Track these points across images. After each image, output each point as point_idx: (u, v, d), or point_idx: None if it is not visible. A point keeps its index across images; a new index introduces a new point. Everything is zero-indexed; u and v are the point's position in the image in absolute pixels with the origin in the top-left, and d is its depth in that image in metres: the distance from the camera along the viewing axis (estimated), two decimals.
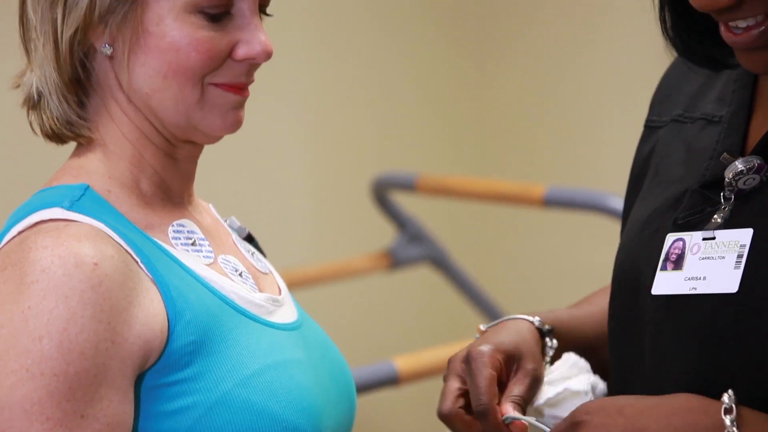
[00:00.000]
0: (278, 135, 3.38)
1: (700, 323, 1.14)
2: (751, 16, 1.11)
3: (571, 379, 1.26)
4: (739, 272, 1.12)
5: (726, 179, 1.15)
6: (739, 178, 1.14)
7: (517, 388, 1.21)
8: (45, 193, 1.19)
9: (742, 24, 1.11)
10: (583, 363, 1.28)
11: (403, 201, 3.15)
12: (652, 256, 1.19)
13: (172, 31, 1.16)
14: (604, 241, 2.36)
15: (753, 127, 1.21)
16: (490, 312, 3.04)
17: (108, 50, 1.18)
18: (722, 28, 1.13)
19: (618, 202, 2.53)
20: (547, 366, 1.28)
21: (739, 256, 1.13)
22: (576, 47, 3.52)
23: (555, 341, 1.29)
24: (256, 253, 1.34)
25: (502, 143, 3.71)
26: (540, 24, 3.60)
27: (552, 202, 2.69)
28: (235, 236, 1.33)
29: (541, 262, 3.61)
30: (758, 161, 1.14)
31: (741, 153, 1.18)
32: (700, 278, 1.14)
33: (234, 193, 3.20)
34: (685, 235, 1.17)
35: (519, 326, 1.28)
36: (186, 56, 1.17)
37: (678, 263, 1.16)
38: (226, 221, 1.34)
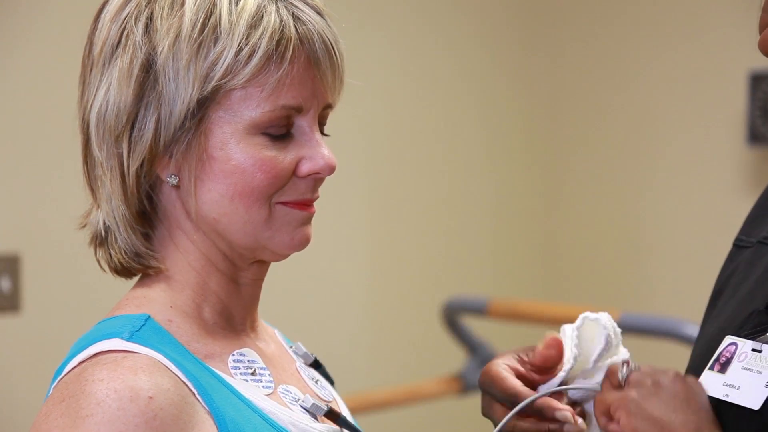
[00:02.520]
0: (347, 257, 3.38)
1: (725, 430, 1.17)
2: None
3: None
4: (767, 392, 1.15)
5: None
6: None
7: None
8: (107, 323, 1.19)
9: None
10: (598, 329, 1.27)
11: (474, 325, 3.13)
12: (710, 355, 1.23)
13: (236, 154, 1.17)
14: (678, 367, 2.32)
15: None
16: None
17: (174, 180, 1.19)
18: None
19: (693, 329, 2.49)
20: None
21: None
22: (647, 170, 3.50)
23: None
24: (321, 380, 1.33)
25: (575, 267, 3.68)
26: (609, 147, 3.59)
27: (626, 328, 2.64)
28: (299, 363, 1.31)
29: None
30: None
31: None
32: (735, 387, 1.18)
33: (302, 316, 3.20)
34: (739, 341, 1.21)
35: None
36: (252, 177, 1.17)
37: (724, 367, 1.20)
38: (291, 347, 1.33)
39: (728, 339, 1.22)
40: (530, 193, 3.72)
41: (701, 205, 3.32)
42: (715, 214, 3.26)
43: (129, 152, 1.18)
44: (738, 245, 1.36)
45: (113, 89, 1.18)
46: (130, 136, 1.18)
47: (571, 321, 3.01)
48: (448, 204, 3.59)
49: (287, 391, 1.24)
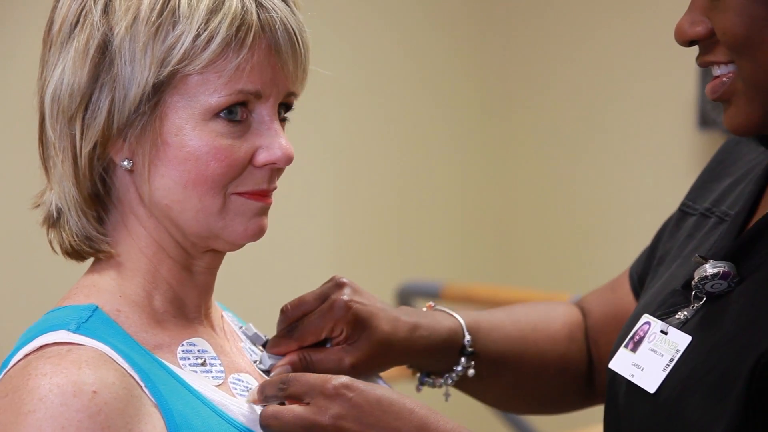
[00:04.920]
0: (301, 242, 3.37)
1: (624, 409, 1.20)
2: (722, 62, 1.14)
3: None
4: (664, 375, 1.17)
5: (693, 281, 1.18)
6: (705, 282, 1.16)
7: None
8: (54, 313, 1.17)
9: (716, 71, 1.16)
10: None
11: None
12: (629, 332, 1.26)
13: (190, 141, 1.15)
14: None
15: (750, 227, 1.22)
16: (515, 422, 3.00)
17: (128, 164, 1.17)
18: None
19: None
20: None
21: (671, 360, 1.17)
22: (600, 154, 3.52)
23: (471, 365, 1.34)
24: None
25: (528, 251, 3.70)
26: (562, 132, 3.61)
27: None
28: (246, 345, 1.30)
29: None
30: (725, 268, 1.16)
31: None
32: (641, 367, 1.20)
33: (257, 301, 3.19)
34: (653, 321, 1.22)
35: (438, 328, 1.32)
36: (206, 165, 1.16)
37: (636, 346, 1.22)
38: (242, 328, 1.32)
39: (644, 318, 1.23)
40: (484, 178, 3.73)
41: (653, 188, 3.35)
42: (666, 197, 3.28)
43: (82, 134, 1.16)
44: (683, 210, 1.37)
45: (68, 69, 1.16)
46: (83, 118, 1.16)
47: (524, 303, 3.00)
48: (402, 189, 3.59)
49: (239, 380, 1.22)
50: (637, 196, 3.41)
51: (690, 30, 1.16)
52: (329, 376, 1.15)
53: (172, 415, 1.12)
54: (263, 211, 1.20)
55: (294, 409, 1.14)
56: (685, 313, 1.20)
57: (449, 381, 1.35)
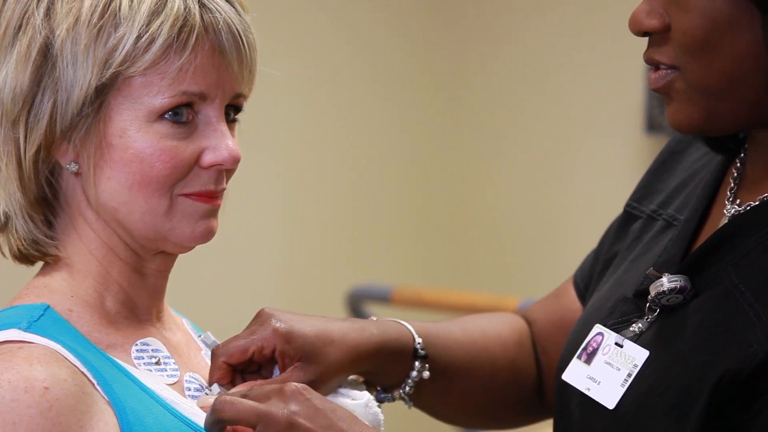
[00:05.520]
0: (251, 246, 3.37)
1: (579, 423, 1.18)
2: (666, 65, 1.13)
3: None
4: (622, 391, 1.15)
5: (649, 296, 1.17)
6: (662, 297, 1.15)
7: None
8: (5, 313, 1.17)
9: (658, 57, 1.14)
10: None
11: (378, 313, 3.13)
12: (580, 342, 1.24)
13: (135, 142, 1.15)
14: None
15: (702, 235, 1.21)
16: None
17: (74, 167, 1.17)
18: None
19: None
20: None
21: (629, 375, 1.16)
22: (550, 158, 3.54)
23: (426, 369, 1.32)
24: None
25: (478, 255, 3.71)
26: (512, 137, 3.63)
27: None
28: (206, 352, 1.30)
29: None
30: (681, 282, 1.15)
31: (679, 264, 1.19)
32: (597, 381, 1.18)
33: (206, 305, 3.18)
34: (606, 332, 1.20)
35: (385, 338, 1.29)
36: (151, 167, 1.15)
37: (590, 357, 1.21)
38: (200, 336, 1.32)
39: (596, 328, 1.22)
40: (434, 183, 3.74)
41: (600, 192, 3.37)
42: (615, 201, 3.29)
43: (25, 137, 1.16)
44: (628, 211, 1.35)
45: (11, 72, 1.15)
46: (26, 121, 1.15)
47: (475, 308, 3.04)
48: (352, 193, 3.59)
49: (194, 378, 1.23)
50: (584, 200, 3.43)
51: (646, 21, 1.14)
52: (288, 382, 1.15)
53: (125, 412, 1.12)
54: (211, 213, 1.20)
55: (250, 400, 1.13)
56: (640, 325, 1.18)
57: (406, 389, 1.33)
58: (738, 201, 1.18)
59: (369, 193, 3.62)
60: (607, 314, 1.23)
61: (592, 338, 1.21)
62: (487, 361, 1.38)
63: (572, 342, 1.26)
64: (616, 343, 1.18)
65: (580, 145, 3.47)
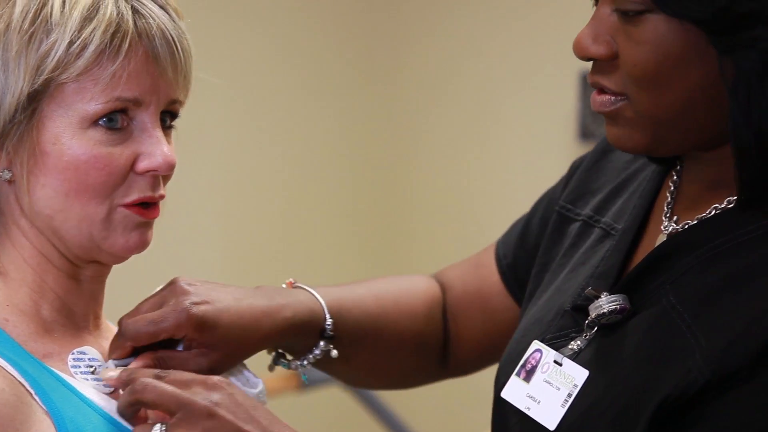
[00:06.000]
0: (186, 254, 3.35)
1: None
2: (614, 92, 1.11)
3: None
4: (563, 411, 1.14)
5: (589, 318, 1.16)
6: (601, 318, 1.15)
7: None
8: None
9: (605, 83, 1.12)
10: None
11: None
12: (519, 357, 1.22)
13: (69, 149, 1.14)
14: None
15: (639, 249, 1.21)
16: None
17: (7, 175, 1.16)
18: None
19: None
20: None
21: (569, 395, 1.15)
22: (482, 165, 3.56)
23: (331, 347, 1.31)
24: None
25: (411, 262, 3.72)
26: (442, 144, 3.65)
27: None
28: None
29: None
30: (620, 303, 1.14)
31: (618, 276, 1.19)
32: (536, 400, 1.17)
33: None
34: (544, 349, 1.19)
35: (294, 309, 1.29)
36: (86, 174, 1.14)
37: (529, 375, 1.20)
38: None
39: (534, 345, 1.21)
40: (370, 190, 3.74)
41: (533, 200, 3.39)
42: None
43: None
44: (563, 214, 1.34)
45: None
46: None
47: None
48: (288, 198, 3.59)
49: (82, 355, 1.21)
50: (517, 208, 3.45)
51: (593, 48, 1.12)
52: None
53: (64, 422, 1.11)
54: (145, 225, 1.19)
55: (171, 386, 1.12)
56: (579, 342, 1.17)
57: (305, 363, 1.33)
58: (675, 218, 1.18)
59: (304, 198, 3.62)
60: (546, 327, 1.22)
61: (530, 355, 1.21)
62: (394, 334, 1.38)
63: (511, 355, 1.25)
64: (555, 361, 1.18)
65: (514, 153, 3.49)
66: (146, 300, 1.24)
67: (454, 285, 1.43)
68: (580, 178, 1.35)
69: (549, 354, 1.18)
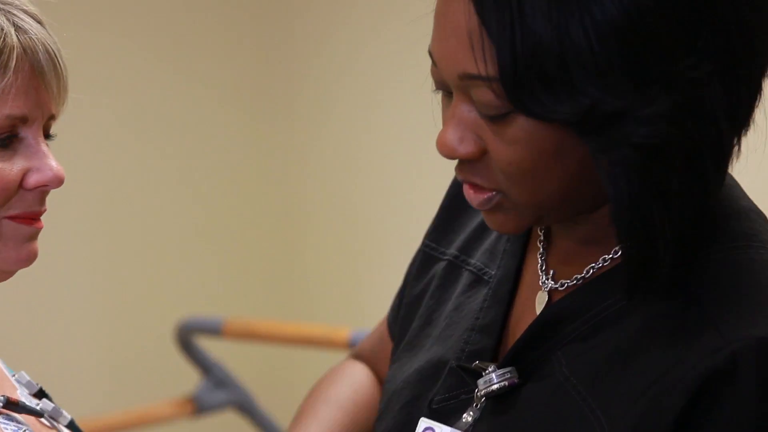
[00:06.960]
0: (71, 274, 3.30)
1: None
2: (487, 189, 1.07)
3: None
4: None
5: (478, 391, 1.12)
6: (491, 393, 1.11)
7: None
8: None
9: (478, 181, 1.08)
10: None
11: (209, 346, 3.11)
12: (404, 428, 1.17)
13: None
14: None
15: (519, 297, 1.18)
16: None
17: None
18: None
19: None
20: None
21: None
22: (381, 186, 3.57)
23: None
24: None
25: (309, 286, 3.72)
26: (344, 163, 3.65)
27: (357, 344, 2.69)
28: (22, 392, 1.25)
29: None
30: (510, 378, 1.10)
31: (501, 329, 1.16)
32: None
33: (25, 340, 3.09)
34: (436, 427, 1.14)
35: None
36: None
37: None
38: (14, 376, 1.27)
39: (423, 423, 1.15)
40: (265, 212, 3.73)
41: (426, 202, 3.40)
42: None
43: None
44: (428, 253, 1.30)
45: None
46: None
47: (307, 339, 3.02)
48: (181, 220, 3.55)
49: (9, 420, 1.17)
50: (415, 234, 3.46)
51: (461, 148, 1.06)
52: None
53: None
54: (34, 236, 1.17)
55: None
56: (471, 413, 1.12)
57: None
58: (552, 272, 1.15)
59: (198, 221, 3.59)
60: (432, 385, 1.17)
61: None
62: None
63: (397, 425, 1.19)
64: None
65: (406, 156, 3.50)
66: None
67: (374, 364, 1.38)
68: (440, 217, 1.31)
69: (443, 430, 1.13)
